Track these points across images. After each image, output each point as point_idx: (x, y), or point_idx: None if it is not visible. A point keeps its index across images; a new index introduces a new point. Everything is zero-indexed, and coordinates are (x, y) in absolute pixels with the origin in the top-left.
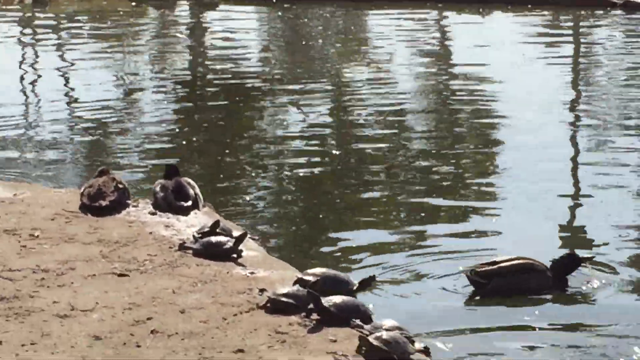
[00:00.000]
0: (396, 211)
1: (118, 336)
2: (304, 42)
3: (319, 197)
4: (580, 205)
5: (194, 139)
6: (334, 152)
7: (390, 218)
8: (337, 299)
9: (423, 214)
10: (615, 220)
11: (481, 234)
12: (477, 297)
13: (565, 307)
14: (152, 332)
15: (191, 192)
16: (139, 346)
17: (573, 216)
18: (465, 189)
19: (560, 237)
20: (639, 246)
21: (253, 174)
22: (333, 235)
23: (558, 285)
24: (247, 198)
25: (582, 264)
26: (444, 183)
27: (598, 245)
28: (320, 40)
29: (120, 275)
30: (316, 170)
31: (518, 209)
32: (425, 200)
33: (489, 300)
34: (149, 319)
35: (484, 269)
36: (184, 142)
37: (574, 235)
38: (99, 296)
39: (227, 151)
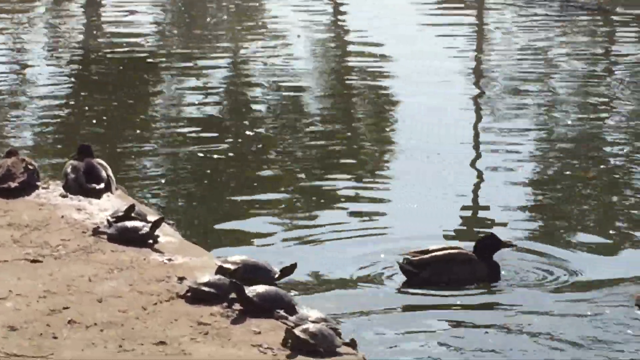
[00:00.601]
0: (294, 192)
1: (34, 326)
2: (202, 18)
3: (216, 177)
4: (479, 185)
5: (89, 114)
6: (229, 133)
7: (287, 199)
8: (261, 288)
9: (321, 195)
10: (507, 200)
11: (377, 214)
12: (408, 286)
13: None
14: (69, 322)
15: (103, 174)
16: (55, 337)
17: (471, 195)
18: (361, 169)
19: (461, 217)
20: (534, 226)
21: (149, 152)
22: (231, 217)
23: (492, 275)
24: (144, 176)
25: (506, 246)
26: (340, 161)
27: (498, 224)
28: (217, 17)
29: (34, 261)
30: (213, 147)
31: (414, 188)
32: (322, 183)
33: (418, 288)
34: (65, 308)
35: (418, 258)
36: (80, 119)
37: (473, 215)
38: (12, 283)
39: (125, 130)
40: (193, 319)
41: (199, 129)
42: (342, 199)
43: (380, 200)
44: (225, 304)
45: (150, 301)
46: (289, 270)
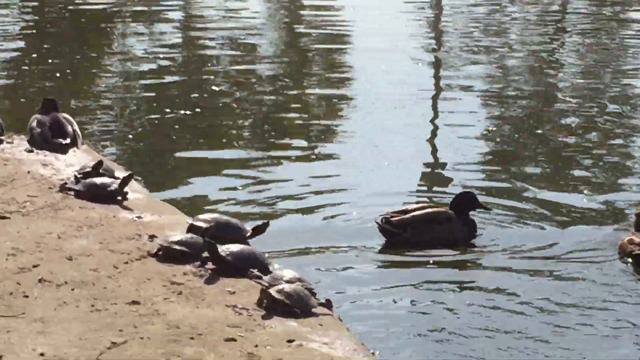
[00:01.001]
0: (253, 147)
1: (4, 285)
2: None
3: (173, 132)
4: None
5: (49, 68)
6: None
7: (246, 155)
8: (234, 247)
9: (281, 151)
10: (466, 157)
11: (339, 170)
12: (388, 247)
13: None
14: (39, 280)
15: (69, 128)
16: (26, 296)
17: (431, 152)
18: (312, 129)
19: (424, 173)
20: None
21: (107, 107)
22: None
23: (470, 233)
24: (102, 131)
25: (483, 208)
26: (295, 115)
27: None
28: None
29: (1, 217)
30: (170, 101)
31: (364, 146)
32: (280, 140)
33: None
34: (35, 266)
35: (398, 218)
36: (27, 67)
37: (435, 171)
38: None
39: (84, 85)
40: (166, 278)
41: (158, 81)
42: (302, 157)
43: (338, 158)
44: (197, 263)
45: (122, 260)
46: (260, 228)
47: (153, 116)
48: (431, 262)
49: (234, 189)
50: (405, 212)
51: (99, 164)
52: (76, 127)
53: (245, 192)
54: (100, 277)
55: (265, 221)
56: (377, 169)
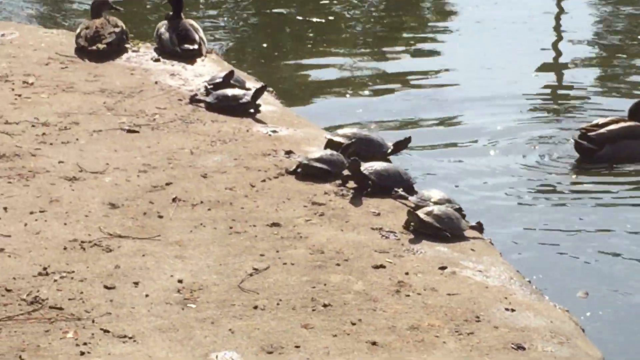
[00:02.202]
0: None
1: (136, 204)
2: None
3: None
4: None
5: None
6: None
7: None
8: (378, 165)
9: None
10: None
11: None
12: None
13: None
14: (173, 200)
15: (196, 35)
16: (160, 217)
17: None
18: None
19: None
20: None
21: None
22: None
23: None
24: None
25: None
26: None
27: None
28: None
29: (130, 131)
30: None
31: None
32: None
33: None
34: (168, 184)
35: (595, 132)
36: None
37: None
38: (108, 156)
39: None
40: (306, 198)
41: None
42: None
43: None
44: (339, 182)
45: (258, 178)
46: (402, 144)
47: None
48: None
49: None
50: (598, 126)
51: (230, 74)
52: (202, 34)
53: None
54: (237, 197)
55: (407, 136)
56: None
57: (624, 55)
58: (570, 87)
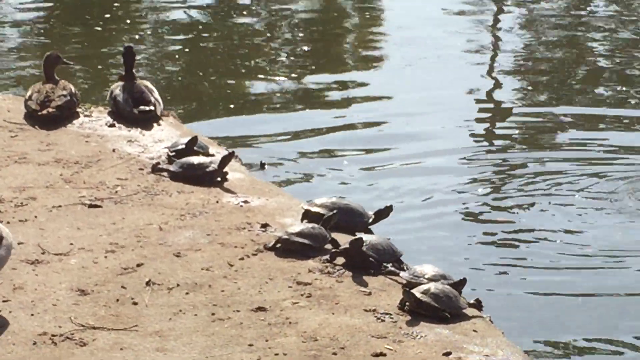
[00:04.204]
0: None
1: (107, 290)
2: None
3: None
4: None
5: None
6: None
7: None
8: (371, 239)
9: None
10: None
11: None
12: None
13: None
14: (147, 283)
15: (152, 98)
16: (135, 303)
17: None
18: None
19: None
20: None
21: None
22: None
23: None
24: None
25: None
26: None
27: None
28: None
29: (91, 206)
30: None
31: None
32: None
33: None
34: (139, 265)
35: None
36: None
37: None
38: (71, 234)
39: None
40: (290, 277)
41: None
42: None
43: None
44: (324, 258)
45: (236, 255)
46: (383, 213)
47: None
48: None
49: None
50: None
51: (193, 140)
52: (157, 95)
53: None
54: (215, 278)
55: (388, 205)
56: None
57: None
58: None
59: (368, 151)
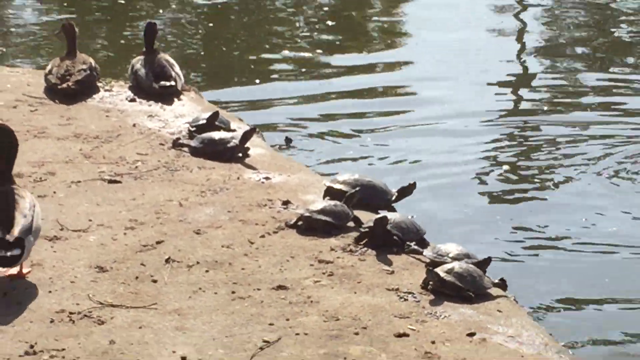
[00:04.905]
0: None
1: (126, 267)
2: None
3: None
4: None
5: None
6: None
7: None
8: (395, 217)
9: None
10: None
11: None
12: None
13: None
14: (167, 261)
15: (172, 72)
16: (154, 281)
17: None
18: None
19: None
20: None
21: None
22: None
23: None
24: None
25: None
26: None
27: None
28: None
29: (111, 181)
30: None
31: None
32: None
33: None
34: (158, 242)
35: None
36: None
37: None
38: (91, 210)
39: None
40: (311, 256)
41: None
42: None
43: None
44: (343, 236)
45: (257, 233)
46: (407, 190)
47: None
48: None
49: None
50: None
51: (215, 115)
52: (178, 69)
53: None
54: (236, 256)
55: (412, 182)
56: None
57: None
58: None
59: (389, 114)
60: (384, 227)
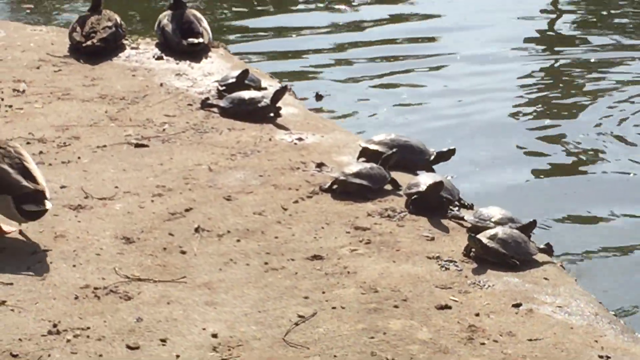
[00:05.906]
0: None
1: (154, 237)
2: None
3: None
4: None
5: None
6: None
7: None
8: (435, 179)
9: None
10: None
11: None
12: None
13: None
14: (196, 230)
15: (200, 28)
16: (183, 252)
17: None
18: None
19: None
20: None
21: None
22: None
23: None
24: None
25: None
26: None
27: None
28: None
29: (138, 145)
30: None
31: None
32: None
33: None
34: (187, 210)
35: None
36: None
37: None
38: (116, 177)
39: None
40: (347, 222)
41: None
42: None
43: None
44: (380, 200)
45: (290, 198)
46: (446, 155)
47: None
48: None
49: None
50: None
51: (244, 73)
52: (206, 24)
53: None
54: (268, 223)
55: (452, 147)
56: None
57: None
58: None
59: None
60: (438, 193)
